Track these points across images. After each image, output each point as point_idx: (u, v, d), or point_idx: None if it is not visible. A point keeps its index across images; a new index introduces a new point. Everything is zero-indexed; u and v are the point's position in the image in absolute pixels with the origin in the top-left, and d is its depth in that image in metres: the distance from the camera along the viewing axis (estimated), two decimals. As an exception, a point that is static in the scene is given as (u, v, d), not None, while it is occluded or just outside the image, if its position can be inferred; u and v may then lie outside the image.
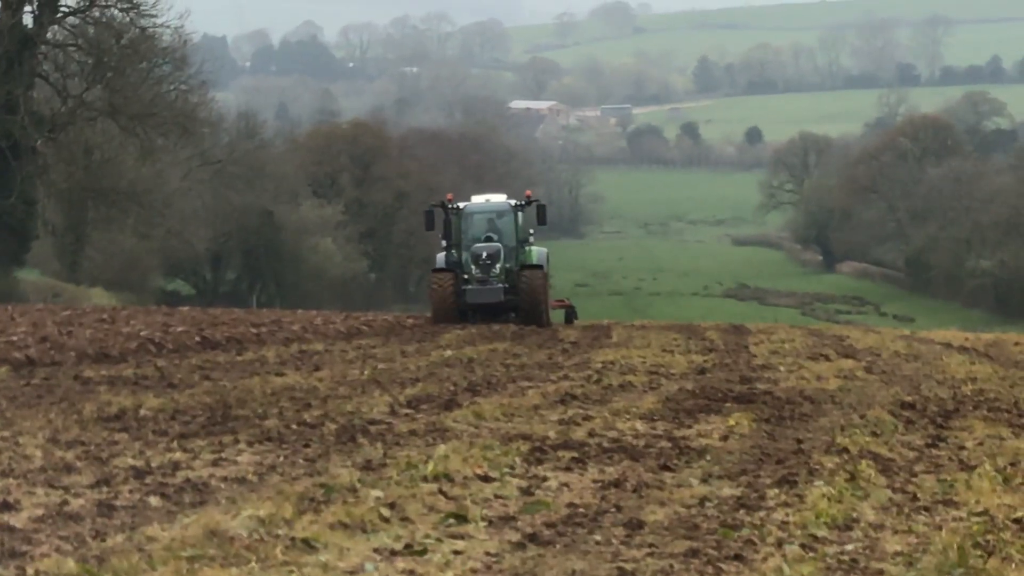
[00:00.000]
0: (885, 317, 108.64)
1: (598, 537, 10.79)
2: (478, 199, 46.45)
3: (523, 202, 45.73)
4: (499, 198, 46.85)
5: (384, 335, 36.70)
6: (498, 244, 43.91)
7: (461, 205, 45.00)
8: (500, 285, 43.16)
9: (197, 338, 30.86)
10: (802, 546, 10.51)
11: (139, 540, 9.76)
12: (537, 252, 44.77)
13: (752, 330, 44.35)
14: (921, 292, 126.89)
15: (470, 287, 43.14)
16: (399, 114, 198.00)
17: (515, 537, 10.73)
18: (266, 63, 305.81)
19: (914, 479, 13.83)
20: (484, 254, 43.22)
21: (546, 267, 44.92)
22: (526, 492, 12.70)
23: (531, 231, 45.63)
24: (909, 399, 21.47)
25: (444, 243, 44.31)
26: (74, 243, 79.82)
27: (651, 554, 10.22)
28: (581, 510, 11.85)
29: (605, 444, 15.76)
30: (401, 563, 9.79)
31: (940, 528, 11.19)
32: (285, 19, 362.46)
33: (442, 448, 14.52)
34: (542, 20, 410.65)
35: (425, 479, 12.76)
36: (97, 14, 71.28)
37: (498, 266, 43.36)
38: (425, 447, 14.78)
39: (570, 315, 50.00)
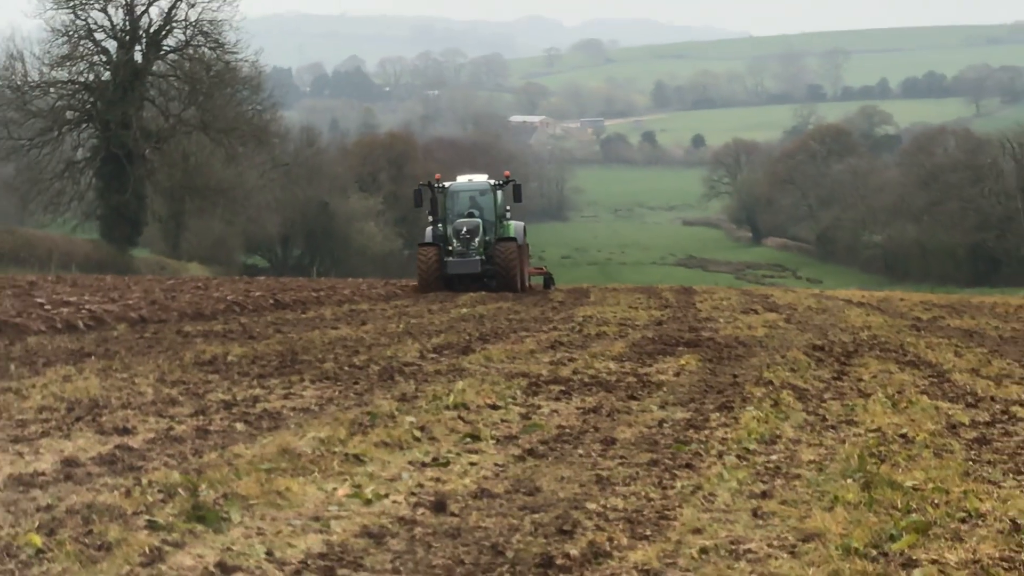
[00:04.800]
0: (800, 280, 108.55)
1: (581, 451, 10.80)
2: (462, 179, 41.83)
3: (502, 181, 40.91)
4: (480, 178, 42.02)
5: (415, 297, 36.67)
6: (478, 219, 39.54)
7: (446, 184, 40.79)
8: (478, 257, 38.86)
9: (271, 301, 30.88)
10: (737, 457, 10.52)
11: (228, 456, 9.77)
12: (514, 226, 40.41)
13: (698, 291, 44.34)
14: (828, 260, 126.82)
15: (451, 259, 38.94)
16: (424, 127, 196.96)
17: (517, 452, 10.74)
18: (321, 88, 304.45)
19: (823, 404, 13.84)
20: (464, 229, 39.02)
21: (521, 239, 40.38)
22: (525, 417, 12.71)
23: (508, 207, 40.92)
24: (819, 343, 21.48)
25: (431, 219, 40.25)
26: (175, 228, 79.96)
27: (621, 464, 10.22)
28: (567, 430, 11.86)
29: (585, 379, 15.77)
30: (430, 472, 9.80)
31: (844, 442, 11.20)
32: (336, 54, 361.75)
33: (460, 384, 14.53)
34: (534, 53, 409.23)
35: (447, 407, 12.77)
36: (192, 52, 71.62)
37: (477, 239, 39.10)
38: (447, 383, 14.78)
39: (548, 281, 45.43)
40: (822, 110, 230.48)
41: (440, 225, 39.85)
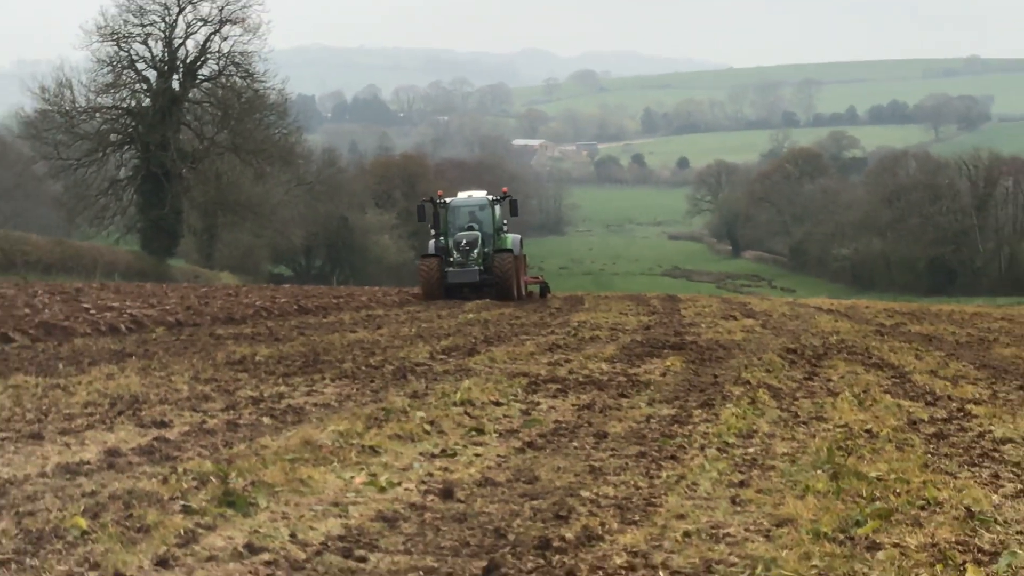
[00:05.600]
0: (775, 289, 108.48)
1: (575, 444, 10.80)
2: (462, 195, 40.66)
3: (499, 197, 39.83)
4: (479, 194, 40.67)
5: (425, 304, 36.62)
6: (477, 232, 38.51)
7: (448, 200, 39.66)
8: (476, 268, 37.85)
9: (295, 306, 30.90)
10: (718, 449, 10.51)
11: (256, 447, 9.78)
12: (512, 238, 39.32)
13: (682, 299, 44.35)
14: (800, 271, 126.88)
15: (452, 269, 38.00)
16: (435, 149, 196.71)
17: (517, 444, 10.74)
18: (342, 114, 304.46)
19: (796, 402, 13.83)
20: (464, 241, 38.08)
21: (518, 251, 39.22)
22: (525, 413, 12.70)
23: (505, 221, 39.85)
24: (792, 346, 21.48)
25: (433, 232, 39.23)
26: (209, 240, 79.95)
27: (612, 455, 10.22)
28: (563, 425, 11.85)
29: (580, 379, 15.77)
30: (439, 462, 9.80)
31: (814, 436, 11.20)
32: (355, 83, 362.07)
33: (466, 382, 14.52)
34: (534, 83, 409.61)
35: (455, 404, 12.77)
36: (224, 80, 71.74)
37: (476, 251, 38.08)
38: (455, 381, 14.79)
39: (544, 289, 43.80)
40: (796, 135, 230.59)
41: (442, 238, 38.98)
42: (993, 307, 49.61)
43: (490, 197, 40.18)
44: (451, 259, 38.42)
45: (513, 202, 39.46)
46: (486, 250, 38.63)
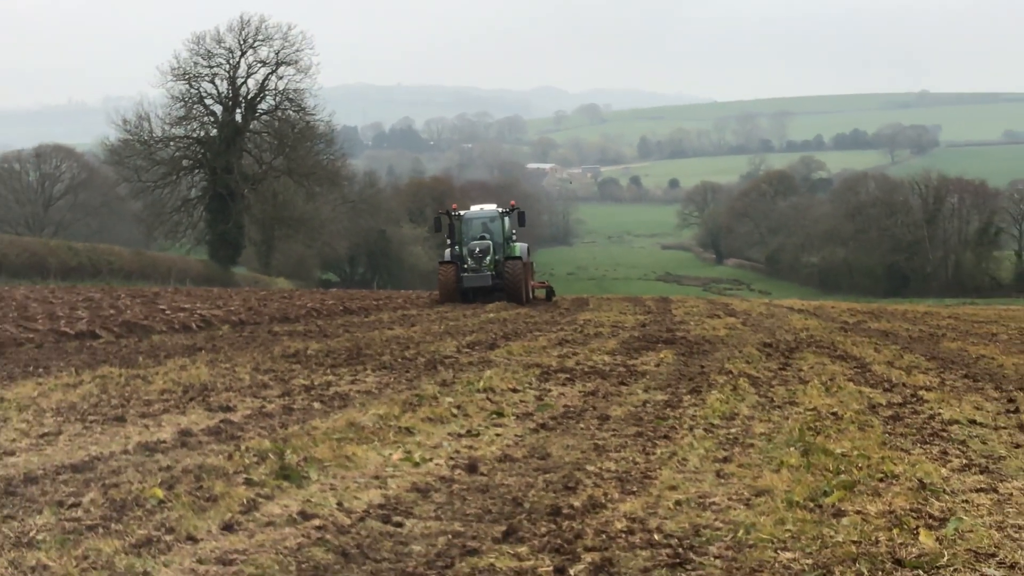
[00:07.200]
0: (753, 292, 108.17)
1: (582, 425, 10.79)
2: (475, 207, 39.38)
3: (508, 209, 38.41)
4: (490, 207, 39.34)
5: (451, 305, 36.59)
6: (489, 242, 37.22)
7: (462, 212, 38.47)
8: (489, 273, 36.74)
9: (341, 307, 30.96)
10: (704, 430, 10.50)
11: (307, 428, 9.80)
12: (520, 247, 37.95)
13: (673, 300, 44.26)
14: (775, 276, 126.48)
15: (466, 275, 36.84)
16: (460, 173, 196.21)
17: (532, 426, 10.74)
18: (381, 142, 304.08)
19: (771, 389, 13.79)
20: (477, 249, 36.88)
21: (526, 258, 37.89)
22: (538, 398, 12.70)
23: (514, 231, 38.59)
24: (768, 341, 21.42)
25: (448, 241, 38.21)
26: (267, 251, 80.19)
27: (614, 435, 10.21)
28: (572, 409, 11.84)
29: (585, 369, 15.75)
30: (464, 441, 9.81)
31: (787, 418, 11.17)
32: (392, 116, 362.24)
33: (488, 372, 14.53)
34: (546, 115, 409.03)
35: (478, 391, 12.78)
36: (280, 114, 72.12)
37: (488, 258, 36.87)
38: (478, 371, 14.79)
39: (550, 293, 41.96)
40: (771, 159, 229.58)
41: (457, 247, 37.86)
42: (941, 307, 49.42)
43: (500, 210, 38.98)
44: (466, 266, 37.36)
45: (521, 214, 38.12)
46: (497, 257, 37.54)
